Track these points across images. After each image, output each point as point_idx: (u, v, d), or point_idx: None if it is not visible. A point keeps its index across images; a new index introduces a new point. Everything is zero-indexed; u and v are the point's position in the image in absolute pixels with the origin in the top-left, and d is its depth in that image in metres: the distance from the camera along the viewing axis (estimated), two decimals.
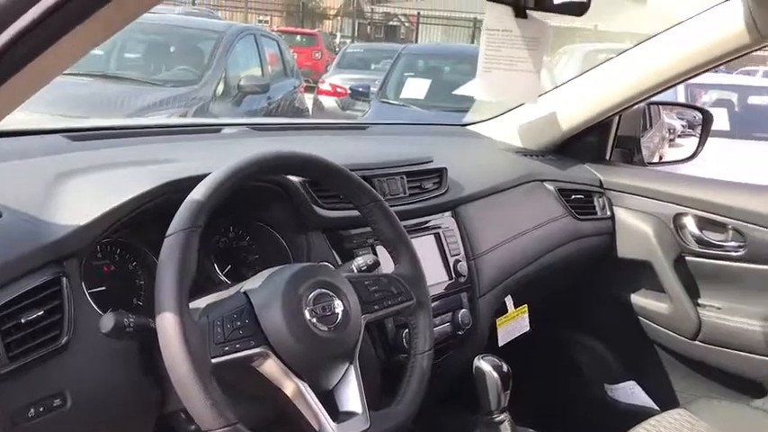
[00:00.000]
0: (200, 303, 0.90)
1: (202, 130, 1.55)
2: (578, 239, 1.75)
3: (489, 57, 1.35)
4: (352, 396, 0.92)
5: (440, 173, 1.46)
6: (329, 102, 8.51)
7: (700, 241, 1.74)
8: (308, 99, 8.87)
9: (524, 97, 1.54)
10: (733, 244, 1.69)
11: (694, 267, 1.75)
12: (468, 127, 2.00)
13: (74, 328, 0.86)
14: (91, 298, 0.92)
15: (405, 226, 1.12)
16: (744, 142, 5.19)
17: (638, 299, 1.81)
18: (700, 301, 1.74)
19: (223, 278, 1.11)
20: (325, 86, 8.78)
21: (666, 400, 1.79)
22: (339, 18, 27.78)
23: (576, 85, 1.82)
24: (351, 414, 0.91)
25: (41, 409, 0.82)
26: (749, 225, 1.65)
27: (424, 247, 1.32)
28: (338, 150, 1.45)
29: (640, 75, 1.68)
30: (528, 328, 1.61)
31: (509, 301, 1.57)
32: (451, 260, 1.39)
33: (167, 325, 0.78)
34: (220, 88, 5.01)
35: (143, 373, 0.92)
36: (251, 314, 0.86)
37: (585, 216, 1.78)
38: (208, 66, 5.05)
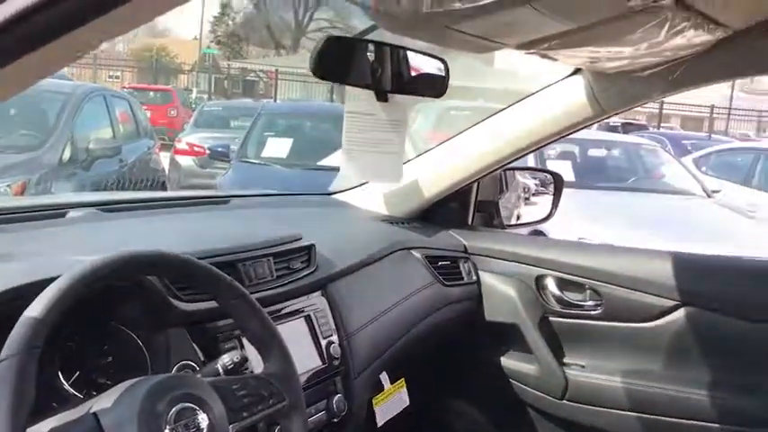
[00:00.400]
0: (42, 428, 0.79)
1: (45, 213, 1.41)
2: (448, 306, 1.75)
3: (352, 139, 1.34)
4: None
5: (308, 250, 1.41)
6: (187, 161, 8.27)
7: (560, 301, 1.80)
8: (165, 157, 8.57)
9: (389, 178, 1.54)
10: (591, 303, 1.76)
11: (558, 327, 1.80)
12: (334, 196, 1.98)
13: None
14: None
15: (273, 311, 1.05)
16: (586, 192, 5.58)
17: (508, 361, 1.83)
18: (565, 360, 1.79)
19: (71, 391, 0.99)
20: (181, 146, 8.53)
21: None
22: (195, 73, 27.38)
23: (437, 154, 1.86)
24: None
25: None
26: (604, 284, 1.74)
27: (294, 332, 1.26)
28: (198, 232, 1.36)
29: (496, 144, 1.75)
30: (407, 403, 1.58)
31: (384, 377, 1.54)
32: (324, 343, 1.34)
33: None
34: (67, 153, 4.71)
35: None
36: None
37: (453, 282, 1.79)
38: (53, 129, 4.74)
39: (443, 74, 1.34)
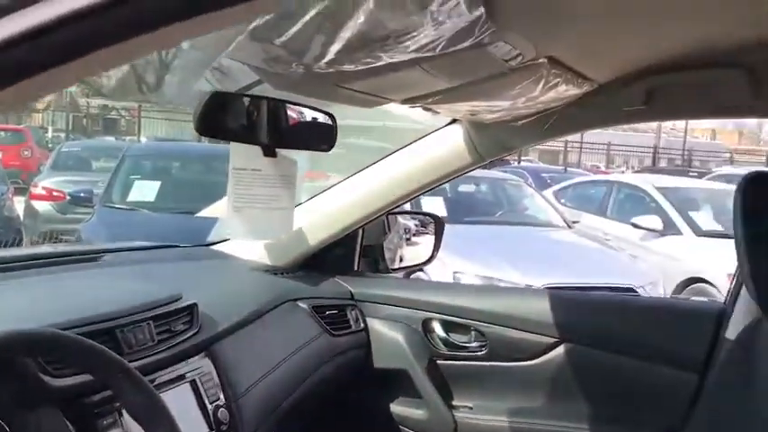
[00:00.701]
0: None
1: None
2: (336, 356, 1.73)
3: (240, 195, 1.30)
4: None
5: (190, 310, 1.34)
6: (44, 206, 7.73)
7: (447, 344, 1.83)
8: (19, 202, 7.98)
9: (281, 233, 1.51)
10: (476, 344, 1.80)
11: (445, 370, 1.82)
12: (213, 247, 1.90)
13: None
14: None
15: (155, 379, 0.98)
16: (457, 226, 5.77)
17: (397, 407, 1.83)
18: (453, 403, 1.81)
19: None
20: (38, 190, 7.97)
21: None
22: (50, 111, 25.82)
23: (319, 201, 1.84)
24: None
25: None
26: (488, 325, 1.78)
27: (179, 399, 1.18)
28: (69, 298, 1.26)
29: (381, 190, 1.76)
30: None
31: None
32: (210, 408, 1.26)
33: None
34: None
35: None
36: None
37: (340, 331, 1.77)
38: None
39: (332, 125, 1.33)
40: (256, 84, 1.14)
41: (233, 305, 1.52)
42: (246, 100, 1.24)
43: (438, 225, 2.12)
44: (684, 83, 1.40)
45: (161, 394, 1.01)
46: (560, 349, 1.74)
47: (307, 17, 0.77)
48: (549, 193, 8.58)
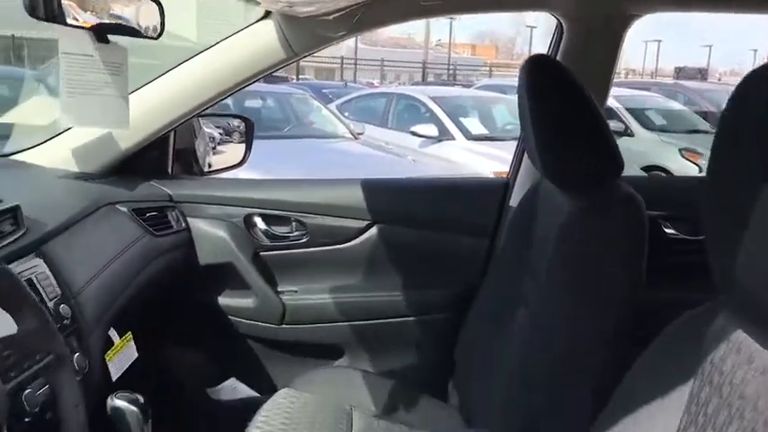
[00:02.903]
0: None
1: None
2: (161, 256, 1.75)
3: (71, 81, 1.25)
4: None
5: (14, 212, 1.29)
6: None
7: (269, 236, 1.93)
8: None
9: (117, 124, 1.46)
10: (297, 233, 1.93)
11: (269, 260, 1.93)
12: (12, 157, 1.79)
13: None
14: None
15: None
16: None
17: (226, 300, 1.91)
18: (279, 289, 1.94)
19: None
20: None
21: (267, 387, 1.95)
22: None
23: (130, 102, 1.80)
24: None
25: None
26: (307, 215, 1.91)
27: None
28: None
29: (192, 91, 1.76)
30: (136, 355, 1.57)
31: (113, 333, 1.50)
32: (51, 305, 1.26)
33: None
34: None
35: None
36: None
37: (163, 232, 1.79)
38: None
39: (159, 15, 1.32)
40: None
41: (53, 209, 1.48)
42: None
43: (248, 127, 2.16)
44: None
45: None
46: (373, 230, 1.92)
47: None
48: (332, 106, 8.79)
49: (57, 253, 1.36)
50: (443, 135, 7.41)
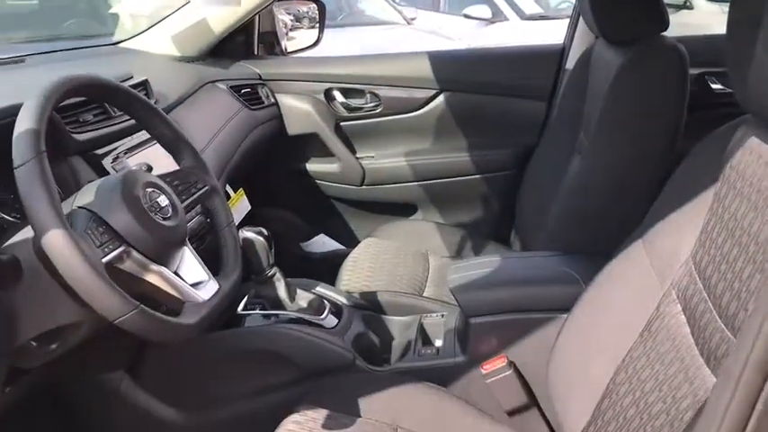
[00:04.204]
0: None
1: None
2: (257, 127, 2.01)
3: None
4: (196, 270, 1.07)
5: (144, 85, 1.55)
6: None
7: (347, 107, 2.16)
8: None
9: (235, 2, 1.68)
10: (371, 104, 2.15)
11: (349, 129, 2.17)
12: (120, 45, 2.04)
13: None
14: None
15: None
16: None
17: (313, 165, 2.18)
18: (358, 155, 2.18)
19: (10, 219, 1.09)
20: None
21: (350, 240, 2.24)
22: None
23: None
24: (201, 282, 1.07)
25: None
26: (380, 87, 2.12)
27: (159, 156, 1.43)
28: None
29: None
30: (249, 207, 1.86)
31: (229, 189, 1.78)
32: None
33: (58, 240, 0.82)
34: None
35: None
36: (101, 221, 0.94)
37: (256, 106, 2.04)
38: None
39: None
40: None
41: (168, 86, 1.73)
42: None
43: (321, 8, 2.35)
44: None
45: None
46: (440, 99, 2.12)
47: None
48: None
49: (181, 121, 1.62)
50: (497, 16, 7.33)
